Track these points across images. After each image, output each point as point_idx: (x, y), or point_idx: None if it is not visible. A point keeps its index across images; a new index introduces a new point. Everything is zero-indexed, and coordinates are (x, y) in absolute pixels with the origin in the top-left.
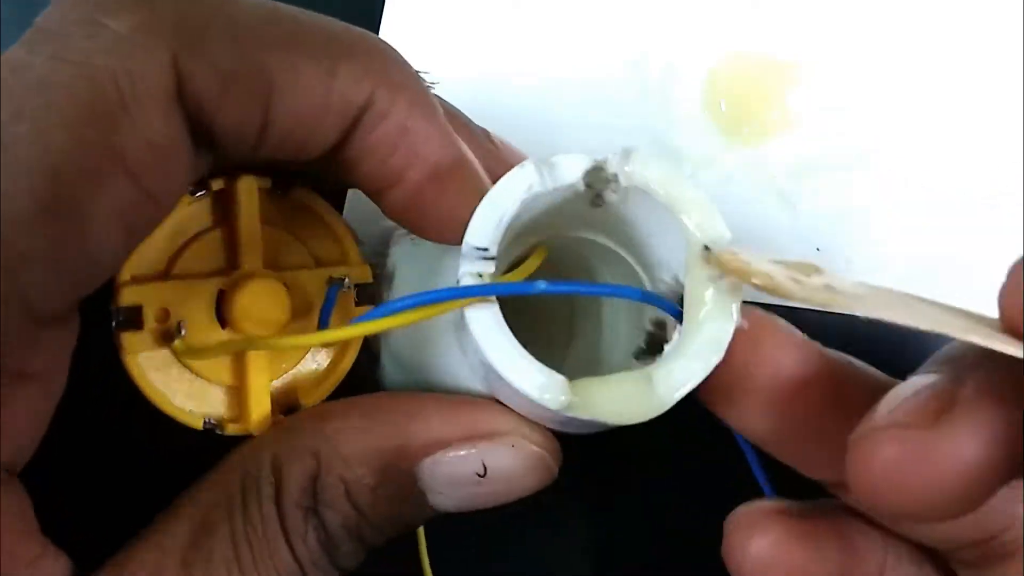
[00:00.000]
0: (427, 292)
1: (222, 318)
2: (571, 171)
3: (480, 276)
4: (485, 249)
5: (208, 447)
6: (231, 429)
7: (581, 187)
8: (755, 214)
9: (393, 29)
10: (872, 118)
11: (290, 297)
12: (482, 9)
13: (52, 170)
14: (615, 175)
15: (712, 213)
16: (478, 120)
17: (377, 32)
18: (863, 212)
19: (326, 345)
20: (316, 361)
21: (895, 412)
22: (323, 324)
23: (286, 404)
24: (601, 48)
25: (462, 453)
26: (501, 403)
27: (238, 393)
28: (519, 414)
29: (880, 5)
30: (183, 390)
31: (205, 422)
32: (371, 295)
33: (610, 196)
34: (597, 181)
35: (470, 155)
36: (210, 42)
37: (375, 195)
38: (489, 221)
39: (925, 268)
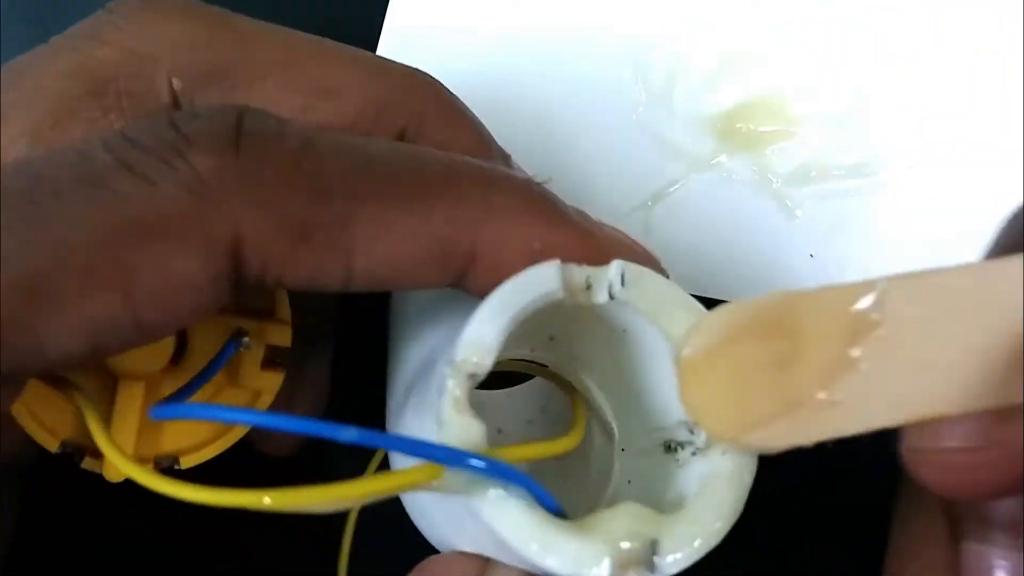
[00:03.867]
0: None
1: None
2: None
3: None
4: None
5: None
6: (87, 463)
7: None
8: (752, 218)
9: (395, 30)
10: (874, 126)
11: (189, 339)
12: (485, 11)
13: (53, 251)
14: None
15: None
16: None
17: (378, 36)
18: (862, 220)
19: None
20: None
21: None
22: (200, 380)
23: (157, 454)
24: (604, 50)
25: None
26: None
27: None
28: None
29: (884, 12)
30: (54, 404)
31: (62, 445)
32: (294, 357)
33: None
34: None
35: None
36: (286, 197)
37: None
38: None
39: None
